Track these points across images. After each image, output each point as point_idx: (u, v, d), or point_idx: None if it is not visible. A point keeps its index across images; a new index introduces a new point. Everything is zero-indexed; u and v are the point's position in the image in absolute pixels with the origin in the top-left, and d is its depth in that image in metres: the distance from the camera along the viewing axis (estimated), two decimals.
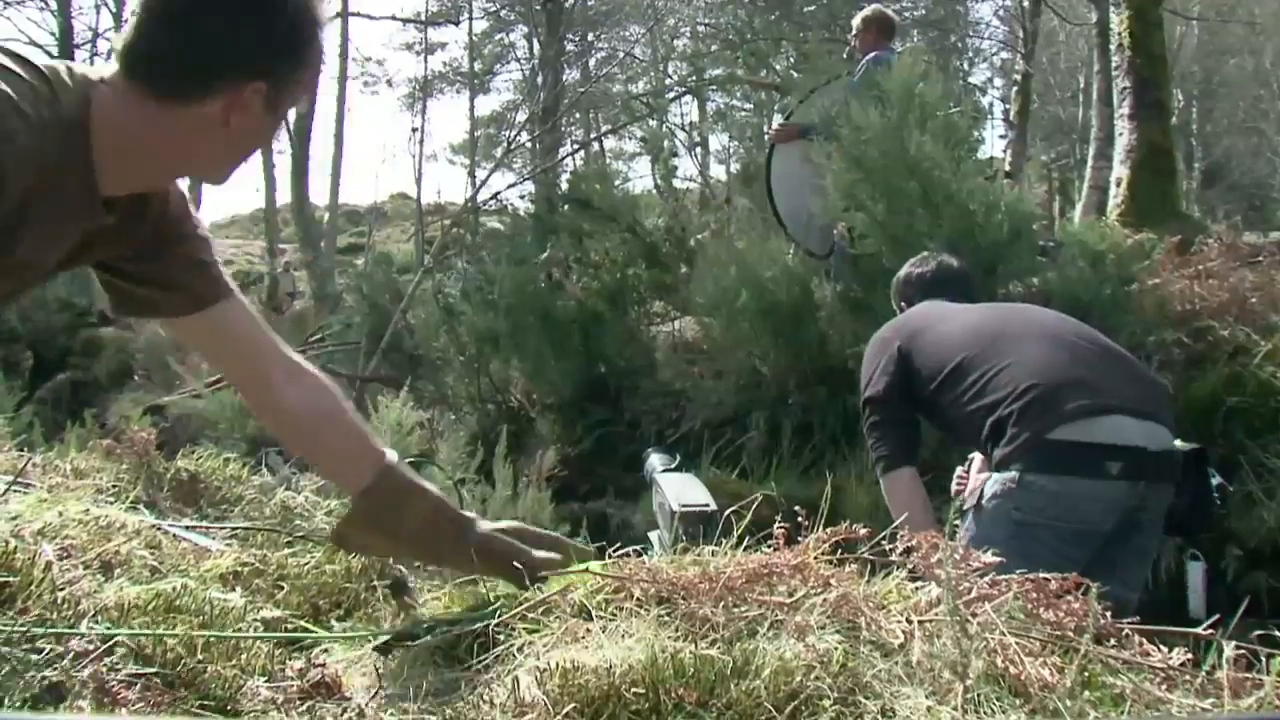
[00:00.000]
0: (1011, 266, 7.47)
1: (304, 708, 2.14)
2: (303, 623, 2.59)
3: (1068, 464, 4.02)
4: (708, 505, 3.86)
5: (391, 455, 2.58)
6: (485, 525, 2.50)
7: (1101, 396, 4.09)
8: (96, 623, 2.04)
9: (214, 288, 2.55)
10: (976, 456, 4.84)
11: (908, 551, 2.52)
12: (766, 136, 11.26)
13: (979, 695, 2.01)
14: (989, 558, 2.46)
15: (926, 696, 2.02)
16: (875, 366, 4.71)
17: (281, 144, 31.12)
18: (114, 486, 3.73)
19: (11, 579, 2.16)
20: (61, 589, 2.20)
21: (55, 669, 1.88)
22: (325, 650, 2.45)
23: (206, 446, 4.88)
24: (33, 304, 17.59)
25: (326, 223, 33.65)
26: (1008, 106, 26.28)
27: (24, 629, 1.93)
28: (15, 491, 3.20)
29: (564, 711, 1.96)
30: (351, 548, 2.67)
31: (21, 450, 4.38)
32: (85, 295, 20.83)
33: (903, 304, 5.21)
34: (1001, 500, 4.07)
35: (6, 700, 1.75)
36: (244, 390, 2.83)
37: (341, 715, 2.04)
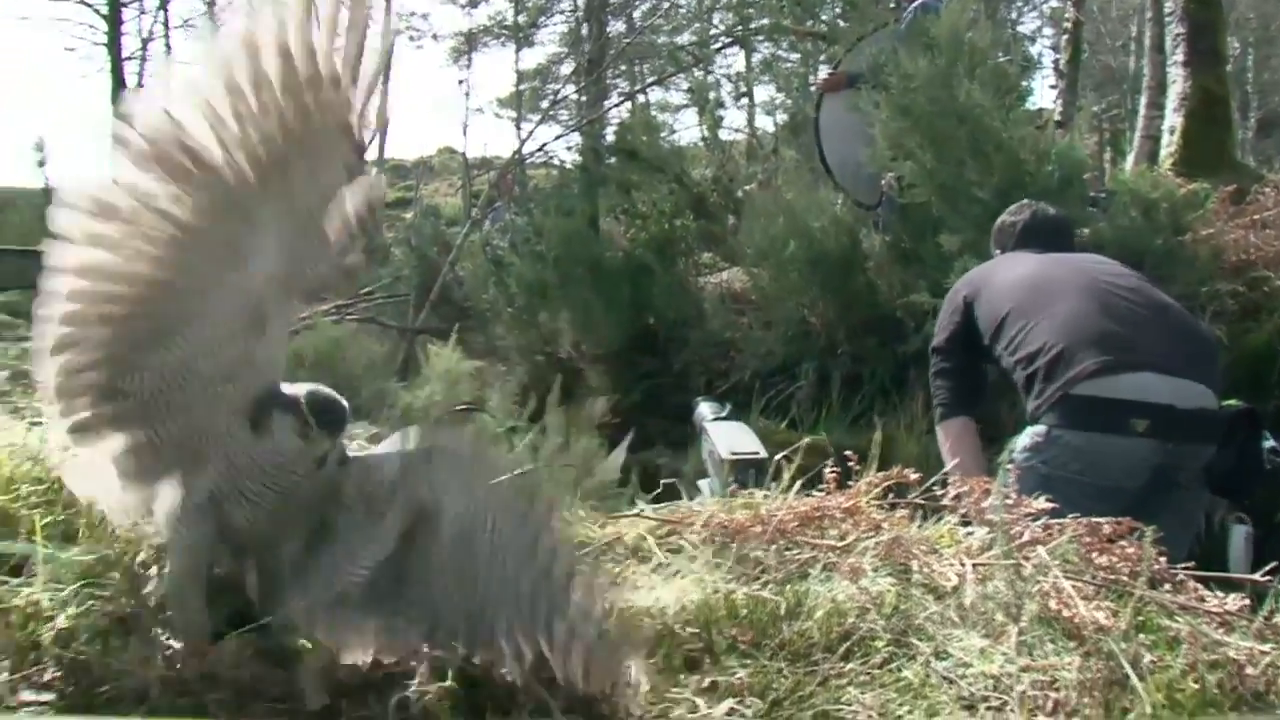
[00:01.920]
0: None
1: None
2: None
3: (1092, 420, 4.02)
4: (758, 452, 3.87)
5: None
6: None
7: (1129, 353, 4.07)
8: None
9: None
10: None
11: (960, 497, 2.52)
12: (814, 86, 11.15)
13: (1033, 638, 2.01)
14: (1042, 503, 2.46)
15: (980, 639, 2.02)
16: (944, 317, 4.85)
17: None
18: None
19: (78, 518, 2.19)
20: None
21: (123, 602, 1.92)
22: None
23: None
24: None
25: (375, 176, 33.71)
26: (1058, 56, 25.91)
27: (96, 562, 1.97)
28: None
29: (616, 650, 1.97)
30: None
31: None
32: None
33: (997, 250, 5.25)
34: (1030, 454, 4.08)
35: (83, 630, 1.79)
36: None
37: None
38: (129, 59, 30.80)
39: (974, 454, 4.50)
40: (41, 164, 21.10)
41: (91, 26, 31.55)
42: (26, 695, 1.69)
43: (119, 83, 28.51)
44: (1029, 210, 5.22)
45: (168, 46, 34.00)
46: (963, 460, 4.23)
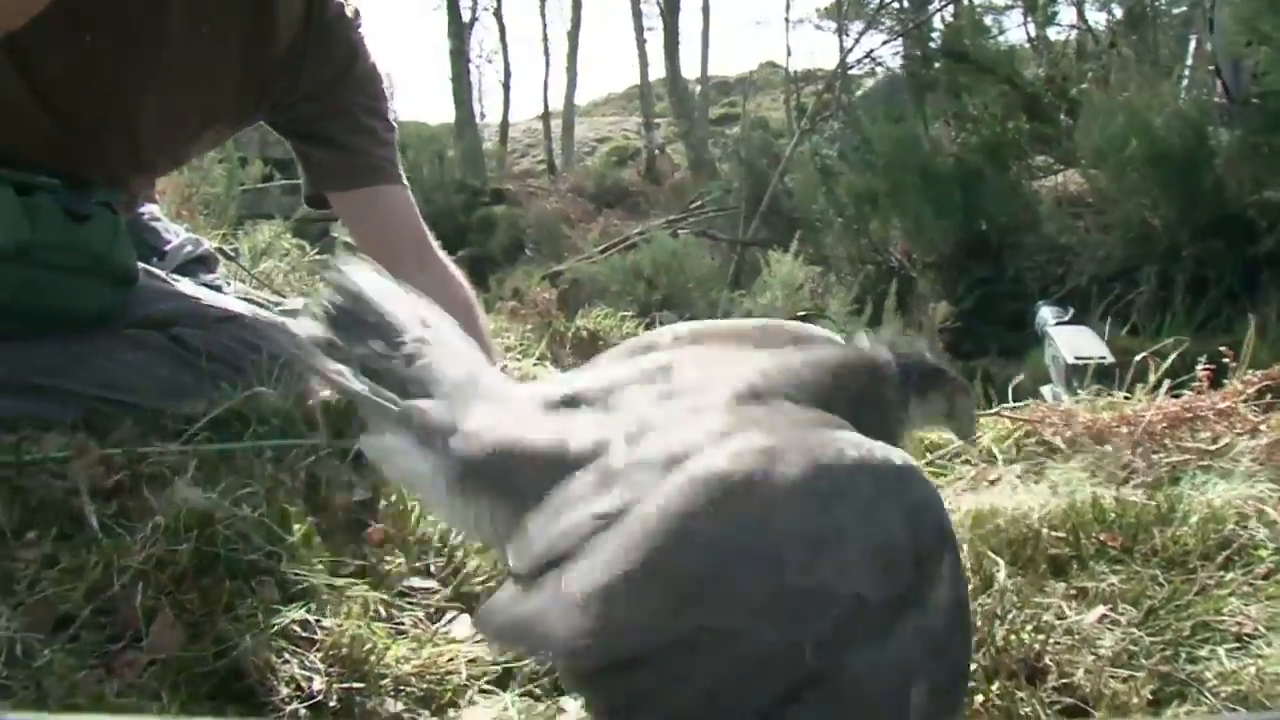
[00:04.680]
0: None
1: None
2: None
3: None
4: (1104, 357, 3.74)
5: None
6: None
7: None
8: None
9: (375, 170, 2.63)
10: None
11: None
12: None
13: None
14: None
15: None
16: None
17: (651, 20, 31.50)
18: (521, 344, 3.92)
19: None
20: None
21: None
22: None
23: (601, 308, 5.04)
24: (433, 186, 18.50)
25: (699, 94, 33.88)
26: None
27: None
28: None
29: (978, 553, 1.93)
30: None
31: None
32: (478, 177, 21.83)
33: None
34: None
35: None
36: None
37: None
38: None
39: None
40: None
41: None
42: (414, 582, 1.78)
43: (455, 16, 29.45)
44: None
45: None
46: None
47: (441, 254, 2.76)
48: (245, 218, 7.92)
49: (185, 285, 2.59)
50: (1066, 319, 4.64)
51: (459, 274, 2.78)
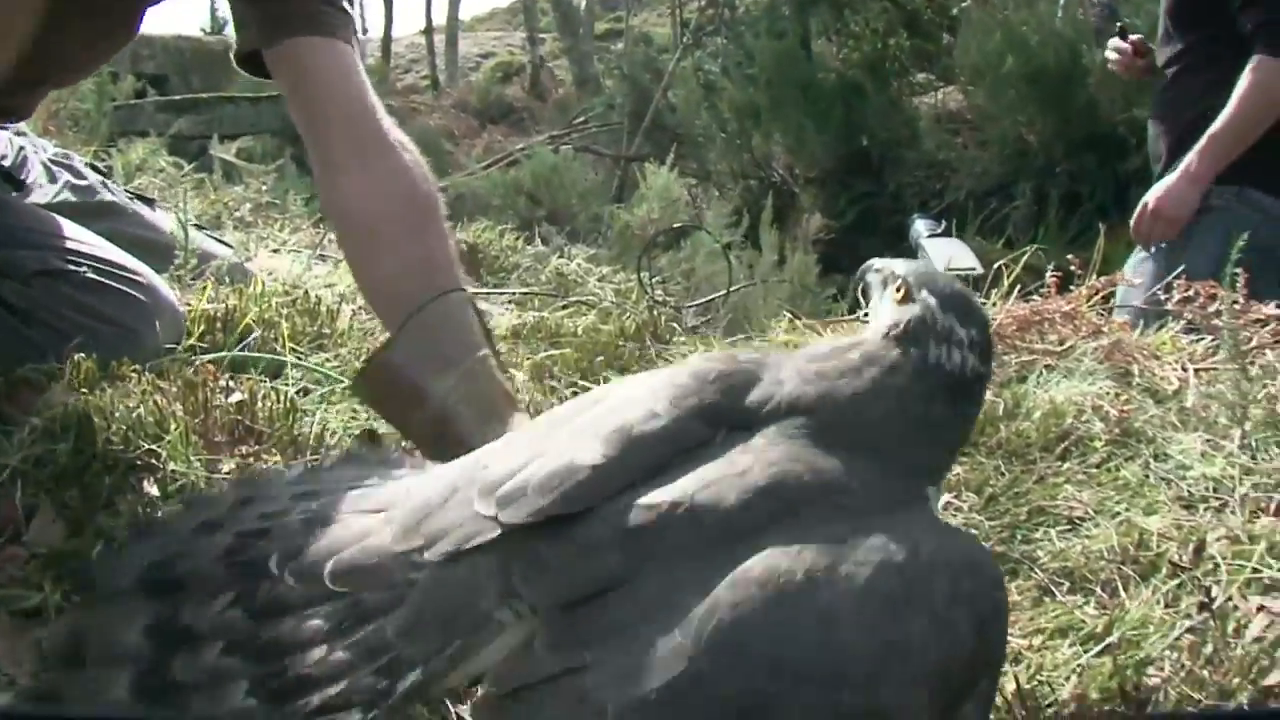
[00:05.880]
0: None
1: None
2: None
3: None
4: (974, 268, 3.84)
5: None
6: None
7: None
8: None
9: (295, 18, 2.05)
10: None
11: (1185, 302, 2.48)
12: None
13: (1256, 440, 2.00)
14: (1271, 309, 2.40)
15: (1201, 442, 2.02)
16: None
17: None
18: None
19: (327, 329, 2.35)
20: (366, 339, 2.38)
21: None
22: None
23: (483, 222, 5.07)
24: None
25: (584, 9, 33.56)
26: None
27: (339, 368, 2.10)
28: (316, 261, 3.44)
29: None
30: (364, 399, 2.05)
31: (318, 227, 4.61)
32: None
33: None
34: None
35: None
36: (312, 162, 2.15)
37: None
38: None
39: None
40: None
41: None
42: None
43: None
44: None
45: None
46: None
47: (394, 140, 2.09)
48: (118, 134, 7.79)
49: (37, 221, 2.37)
50: (940, 231, 4.73)
51: (415, 171, 2.09)
